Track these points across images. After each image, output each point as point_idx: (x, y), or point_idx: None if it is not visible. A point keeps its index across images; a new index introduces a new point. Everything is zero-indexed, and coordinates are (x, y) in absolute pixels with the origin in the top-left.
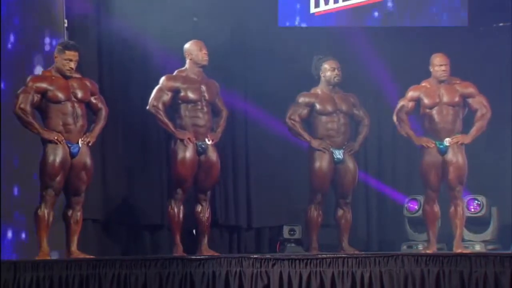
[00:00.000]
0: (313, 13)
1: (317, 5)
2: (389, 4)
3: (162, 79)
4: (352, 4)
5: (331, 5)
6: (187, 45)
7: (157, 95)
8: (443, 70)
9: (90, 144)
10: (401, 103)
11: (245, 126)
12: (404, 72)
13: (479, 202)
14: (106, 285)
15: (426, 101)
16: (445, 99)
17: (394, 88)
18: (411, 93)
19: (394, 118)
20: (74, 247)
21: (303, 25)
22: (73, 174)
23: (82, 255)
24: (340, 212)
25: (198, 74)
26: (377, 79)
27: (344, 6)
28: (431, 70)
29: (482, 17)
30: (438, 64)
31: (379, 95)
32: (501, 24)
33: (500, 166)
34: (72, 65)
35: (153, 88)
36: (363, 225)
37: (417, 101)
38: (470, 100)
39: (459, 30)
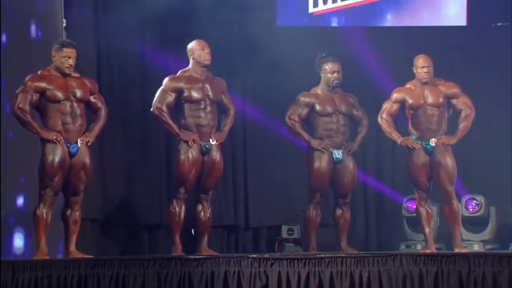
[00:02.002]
0: (312, 13)
1: (315, 4)
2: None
3: (165, 80)
4: (351, 3)
5: (330, 5)
6: (190, 45)
7: (161, 97)
8: (426, 72)
9: (89, 144)
10: (385, 105)
11: (244, 125)
12: (404, 72)
13: (477, 202)
14: (105, 284)
15: (410, 102)
16: (430, 100)
17: (394, 88)
18: (395, 95)
19: (379, 120)
20: (72, 247)
21: (302, 24)
22: (72, 174)
23: (80, 255)
24: (339, 212)
25: (202, 73)
26: (377, 79)
27: (343, 5)
28: (414, 71)
29: (481, 17)
30: (421, 66)
31: (378, 95)
32: (500, 24)
33: (499, 166)
34: (71, 62)
35: (152, 88)
36: (361, 225)
37: (402, 103)
38: (454, 101)
39: (458, 30)
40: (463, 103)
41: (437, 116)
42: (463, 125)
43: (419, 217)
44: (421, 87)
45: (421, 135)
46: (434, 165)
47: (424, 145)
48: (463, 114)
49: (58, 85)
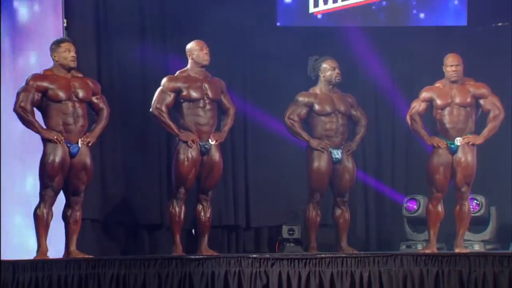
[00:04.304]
0: (312, 13)
1: (316, 4)
2: None
3: (164, 81)
4: (351, 3)
5: (330, 5)
6: (188, 45)
7: (160, 97)
8: (454, 71)
9: (90, 145)
10: (414, 104)
11: (244, 125)
12: (403, 72)
13: (478, 202)
14: (105, 284)
15: (438, 101)
16: (457, 99)
17: (393, 88)
18: (423, 94)
19: (408, 118)
20: (73, 246)
21: (302, 25)
22: (72, 174)
23: (81, 255)
24: (338, 211)
25: (200, 73)
26: (376, 79)
27: (343, 5)
28: (444, 70)
29: (481, 17)
30: (450, 64)
31: (378, 95)
32: (499, 24)
33: (499, 166)
34: (73, 53)
35: (152, 88)
36: (362, 224)
37: (430, 102)
38: (482, 101)
39: (458, 30)
40: (491, 103)
41: (464, 116)
42: (490, 125)
43: (428, 217)
44: (450, 86)
45: (447, 134)
46: (455, 164)
47: (448, 144)
48: (491, 114)
49: (60, 84)
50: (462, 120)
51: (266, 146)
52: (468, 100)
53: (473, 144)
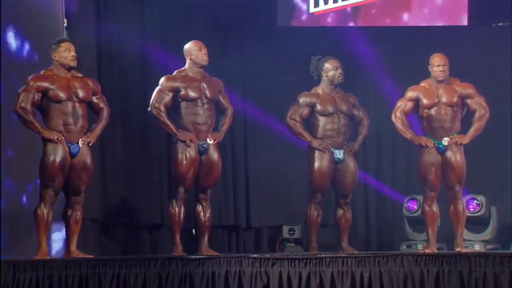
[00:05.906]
0: (313, 13)
1: (316, 4)
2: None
3: (162, 80)
4: (352, 3)
5: (331, 5)
6: (187, 45)
7: (158, 97)
8: (441, 70)
9: (90, 144)
10: (399, 103)
11: (244, 125)
12: (404, 72)
13: (478, 202)
14: (106, 284)
15: (424, 101)
16: (444, 99)
17: (394, 88)
18: (409, 94)
19: (393, 118)
20: (73, 246)
21: (302, 24)
22: (73, 174)
23: (81, 255)
24: (340, 211)
25: (198, 73)
26: (377, 79)
27: (344, 5)
28: (430, 70)
29: (481, 17)
30: (436, 64)
31: (378, 95)
32: (500, 24)
33: (499, 166)
34: (73, 53)
35: (152, 88)
36: (362, 225)
37: (416, 101)
38: (468, 101)
39: (459, 30)
40: (478, 103)
41: (450, 116)
42: (476, 125)
43: (424, 217)
44: (436, 85)
45: (434, 134)
46: (445, 163)
47: (436, 144)
48: (477, 114)
49: (60, 85)
50: (449, 120)
51: (266, 146)
52: (455, 99)
53: (460, 144)
